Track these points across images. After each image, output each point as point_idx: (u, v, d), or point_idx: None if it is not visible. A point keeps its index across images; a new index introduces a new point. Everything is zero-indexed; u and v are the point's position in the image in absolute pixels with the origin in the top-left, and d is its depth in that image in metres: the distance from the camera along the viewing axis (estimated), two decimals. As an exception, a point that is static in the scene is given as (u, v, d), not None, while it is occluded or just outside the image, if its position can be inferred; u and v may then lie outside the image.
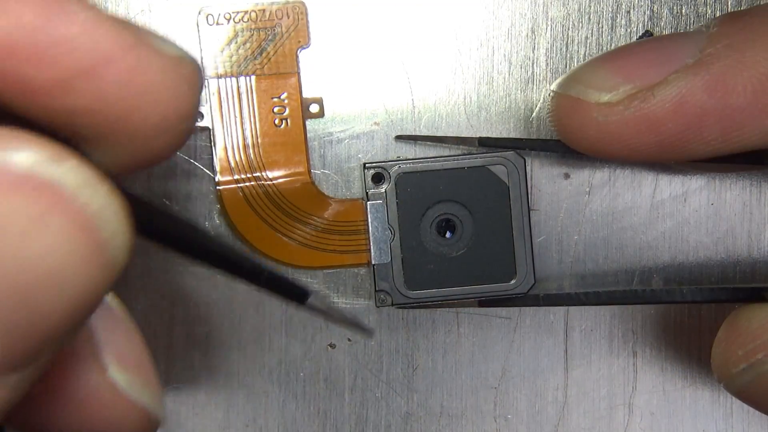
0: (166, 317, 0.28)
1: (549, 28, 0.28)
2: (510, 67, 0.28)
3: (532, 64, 0.28)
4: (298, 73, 0.27)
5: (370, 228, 0.26)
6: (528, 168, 0.28)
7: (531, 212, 0.26)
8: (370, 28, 0.28)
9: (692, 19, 0.28)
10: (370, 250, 0.26)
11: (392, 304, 0.26)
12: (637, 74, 0.23)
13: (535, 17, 0.28)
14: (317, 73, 0.28)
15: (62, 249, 0.12)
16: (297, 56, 0.27)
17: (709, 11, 0.28)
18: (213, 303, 0.28)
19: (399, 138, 0.28)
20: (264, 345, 0.29)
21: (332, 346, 0.29)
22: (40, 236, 0.12)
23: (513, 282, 0.26)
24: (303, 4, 0.27)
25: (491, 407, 0.29)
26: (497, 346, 0.29)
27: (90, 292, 0.13)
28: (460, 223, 0.26)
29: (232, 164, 0.27)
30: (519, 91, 0.28)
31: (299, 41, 0.27)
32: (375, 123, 0.28)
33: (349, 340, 0.29)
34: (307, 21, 0.27)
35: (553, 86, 0.24)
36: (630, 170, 0.28)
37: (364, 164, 0.26)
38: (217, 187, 0.28)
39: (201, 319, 0.28)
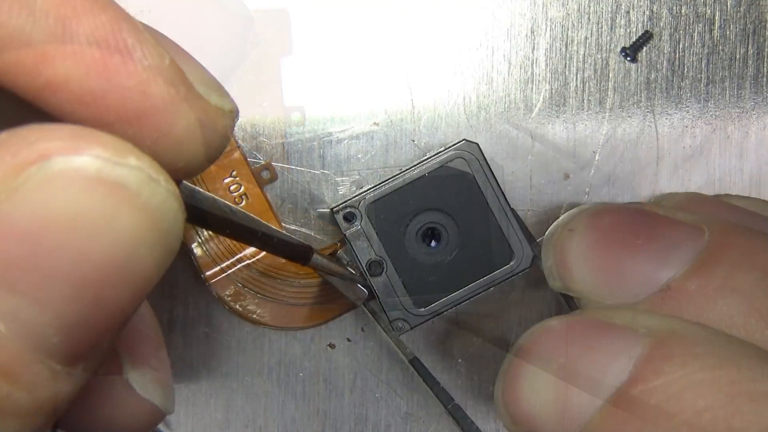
0: (166, 317, 0.28)
1: (548, 28, 0.28)
2: (509, 68, 0.28)
3: (532, 64, 0.28)
4: (240, 148, 0.27)
5: (361, 264, 0.26)
6: (528, 168, 0.28)
7: (506, 193, 0.26)
8: (372, 29, 0.28)
9: (692, 19, 0.28)
10: (372, 289, 0.26)
11: (411, 328, 0.26)
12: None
13: (534, 17, 0.28)
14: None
15: (132, 241, 0.13)
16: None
17: (708, 11, 0.28)
18: (213, 303, 0.28)
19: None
20: (264, 345, 0.29)
21: (332, 346, 0.29)
22: (112, 231, 0.13)
23: (513, 262, 0.26)
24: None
25: (492, 407, 0.29)
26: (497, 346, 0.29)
27: (151, 280, 0.14)
28: (442, 228, 0.26)
29: (213, 255, 0.27)
30: (518, 91, 0.28)
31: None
32: (374, 123, 0.28)
33: (348, 340, 0.29)
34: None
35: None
36: (630, 170, 0.28)
37: (332, 209, 0.26)
38: (207, 284, 0.27)
39: (201, 319, 0.29)
